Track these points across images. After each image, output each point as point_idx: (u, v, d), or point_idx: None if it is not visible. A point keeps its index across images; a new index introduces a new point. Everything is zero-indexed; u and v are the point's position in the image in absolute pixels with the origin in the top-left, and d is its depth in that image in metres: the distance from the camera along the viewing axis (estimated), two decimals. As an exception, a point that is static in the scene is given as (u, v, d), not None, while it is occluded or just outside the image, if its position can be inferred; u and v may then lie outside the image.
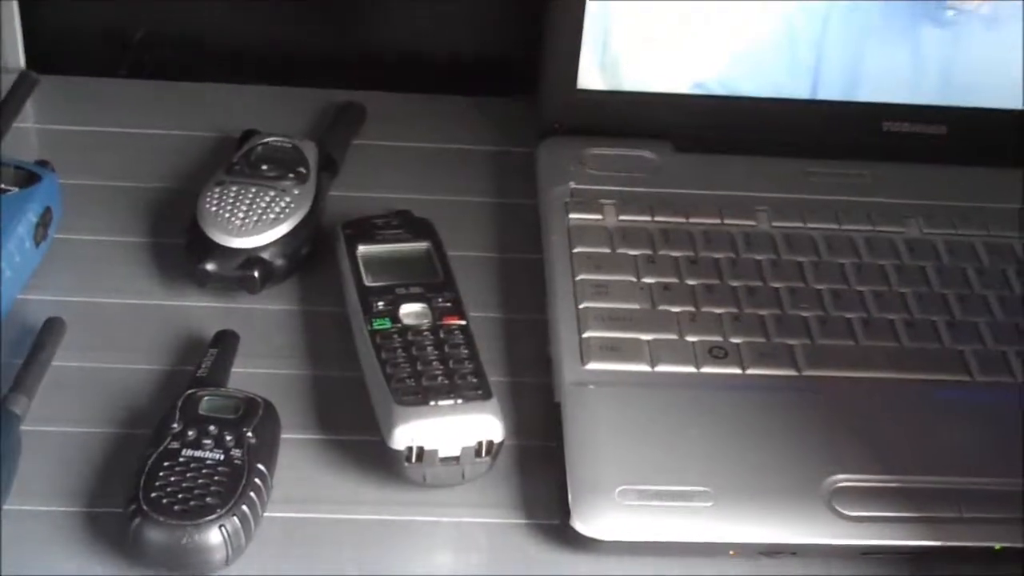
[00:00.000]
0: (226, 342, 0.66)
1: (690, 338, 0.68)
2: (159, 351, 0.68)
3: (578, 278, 0.71)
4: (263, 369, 0.67)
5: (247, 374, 0.66)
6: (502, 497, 0.63)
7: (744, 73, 0.79)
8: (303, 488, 0.62)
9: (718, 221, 0.75)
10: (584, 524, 0.59)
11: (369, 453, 0.63)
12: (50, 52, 0.85)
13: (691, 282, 0.71)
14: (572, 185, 0.76)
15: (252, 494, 0.58)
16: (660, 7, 0.77)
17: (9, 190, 0.71)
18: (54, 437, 0.63)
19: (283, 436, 0.63)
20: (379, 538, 0.61)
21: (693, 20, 0.77)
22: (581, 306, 0.69)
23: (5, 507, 0.59)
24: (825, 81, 0.79)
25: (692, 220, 0.75)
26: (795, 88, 0.79)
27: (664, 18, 0.77)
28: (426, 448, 0.60)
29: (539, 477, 0.63)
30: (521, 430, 0.65)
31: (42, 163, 0.74)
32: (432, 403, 0.61)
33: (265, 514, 0.59)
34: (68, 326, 0.68)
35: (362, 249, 0.70)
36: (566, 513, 0.60)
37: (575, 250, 0.72)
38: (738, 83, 0.79)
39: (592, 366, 0.66)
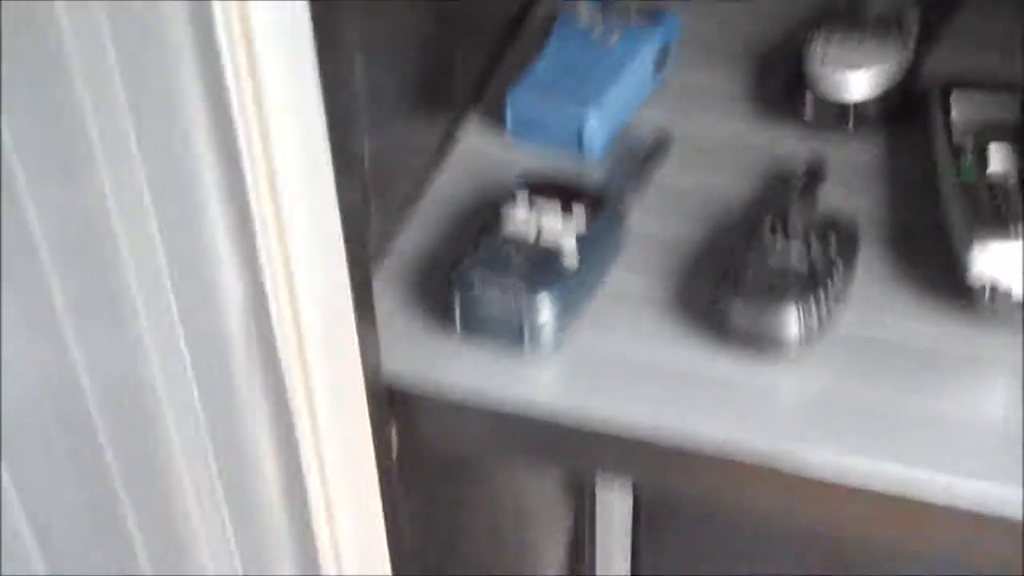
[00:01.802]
0: (817, 170, 0.72)
1: None
2: (752, 174, 0.75)
3: None
4: (846, 200, 0.72)
5: (833, 203, 0.71)
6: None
7: None
8: (872, 306, 0.66)
9: None
10: None
11: (941, 287, 0.66)
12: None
13: None
14: None
15: (829, 294, 0.63)
16: None
17: (639, 26, 0.80)
18: (653, 234, 0.71)
19: (862, 262, 0.67)
20: (934, 367, 0.64)
21: None
22: None
23: (609, 280, 0.68)
24: None
25: None
26: None
27: None
28: (998, 281, 0.63)
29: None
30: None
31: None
32: (1010, 238, 0.63)
33: (835, 324, 0.64)
34: (671, 142, 0.76)
35: (958, 105, 0.73)
36: None
37: None
38: None
39: None
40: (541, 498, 1.10)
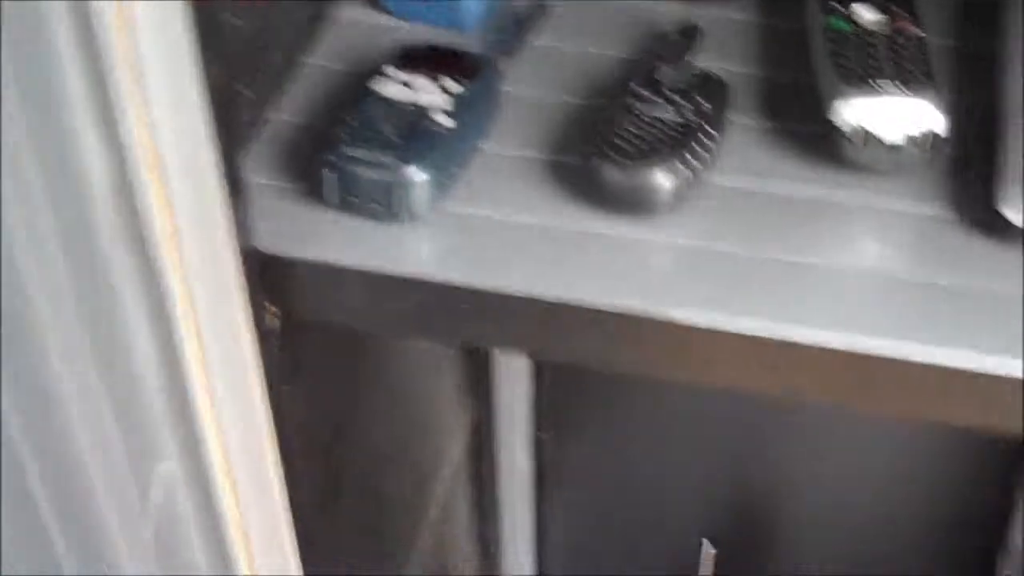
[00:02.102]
0: (690, 32, 0.72)
1: None
2: (627, 41, 0.74)
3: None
4: (720, 65, 0.71)
5: (710, 64, 0.71)
6: (933, 190, 0.65)
7: None
8: (743, 162, 0.67)
9: None
10: (1013, 212, 0.61)
11: (811, 141, 0.67)
12: None
13: None
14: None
15: (701, 150, 0.63)
16: None
17: None
18: (528, 100, 0.71)
19: (733, 121, 0.68)
20: (807, 219, 0.65)
21: None
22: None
23: (485, 147, 0.68)
24: None
25: None
26: None
27: None
28: (866, 128, 0.63)
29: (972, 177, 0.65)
30: (960, 141, 0.67)
31: None
32: (877, 86, 0.64)
33: (708, 181, 0.65)
34: (548, 10, 0.75)
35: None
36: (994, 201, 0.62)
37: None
38: None
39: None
40: (439, 394, 1.11)
